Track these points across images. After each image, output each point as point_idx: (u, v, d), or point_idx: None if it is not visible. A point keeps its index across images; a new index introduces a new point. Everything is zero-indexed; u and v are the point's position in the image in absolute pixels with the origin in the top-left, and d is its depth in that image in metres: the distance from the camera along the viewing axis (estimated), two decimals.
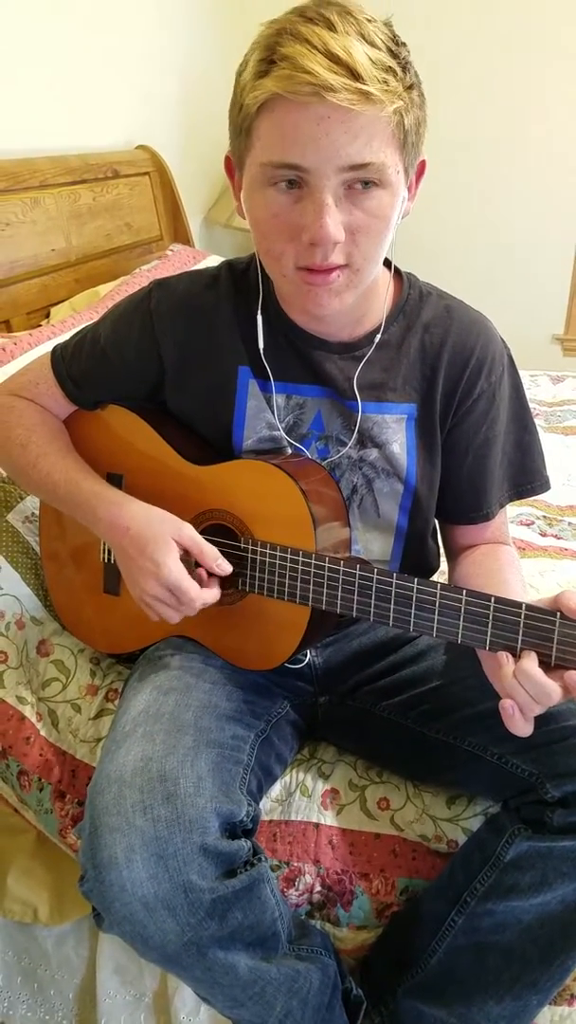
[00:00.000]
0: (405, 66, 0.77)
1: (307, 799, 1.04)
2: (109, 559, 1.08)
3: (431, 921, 0.93)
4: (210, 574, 0.91)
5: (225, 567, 0.90)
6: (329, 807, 1.03)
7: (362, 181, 0.79)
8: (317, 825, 1.03)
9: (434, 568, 1.10)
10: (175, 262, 2.05)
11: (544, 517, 1.48)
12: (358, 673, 1.03)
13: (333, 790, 1.04)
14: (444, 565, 1.12)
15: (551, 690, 0.72)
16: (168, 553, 0.88)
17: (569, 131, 2.57)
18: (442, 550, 1.10)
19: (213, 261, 2.19)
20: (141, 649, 1.06)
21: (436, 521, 1.06)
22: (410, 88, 0.78)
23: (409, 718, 0.97)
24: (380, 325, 0.96)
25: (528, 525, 1.45)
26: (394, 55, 0.76)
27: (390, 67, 0.75)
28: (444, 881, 0.94)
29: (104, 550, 1.08)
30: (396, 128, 0.78)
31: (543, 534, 1.43)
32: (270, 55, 0.75)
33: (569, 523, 1.46)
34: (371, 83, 0.73)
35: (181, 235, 2.32)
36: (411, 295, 0.98)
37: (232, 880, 0.79)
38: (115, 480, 1.04)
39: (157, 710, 0.87)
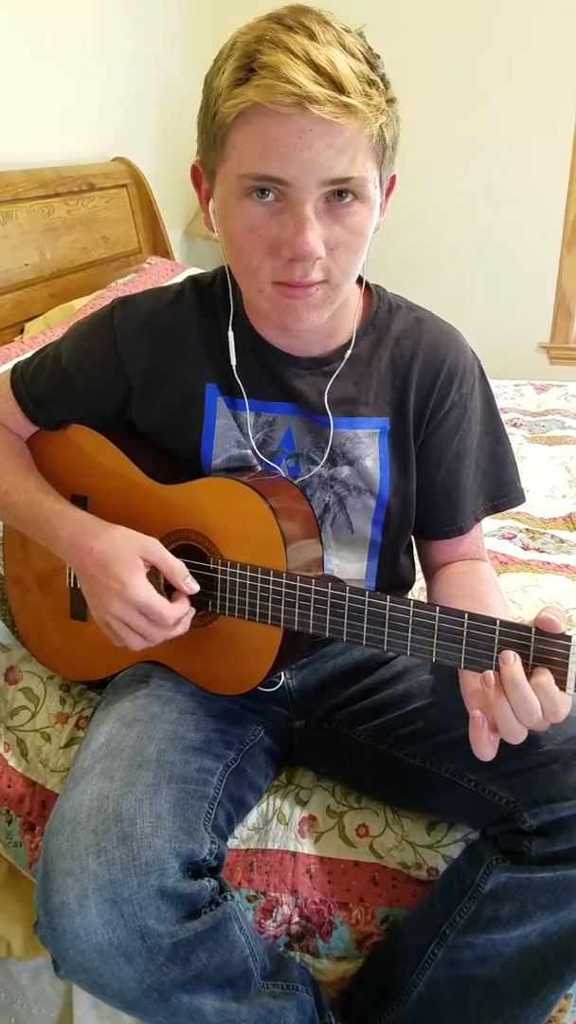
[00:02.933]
0: (384, 79, 0.76)
1: (284, 827, 1.01)
2: (74, 583, 1.04)
3: (412, 953, 0.90)
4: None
5: (193, 586, 0.88)
6: (307, 835, 1.00)
7: (340, 193, 0.77)
8: (294, 854, 0.99)
9: (410, 583, 1.08)
10: (152, 275, 2.03)
11: (527, 530, 1.45)
12: (334, 696, 1.00)
13: (311, 817, 1.01)
14: (422, 581, 1.09)
15: (531, 698, 0.70)
16: (134, 572, 0.85)
17: (553, 137, 2.57)
18: (418, 567, 1.08)
19: (190, 273, 2.16)
20: (111, 676, 1.02)
21: (412, 537, 1.04)
22: (391, 102, 0.76)
23: (386, 743, 0.94)
24: (351, 339, 0.94)
25: (510, 539, 1.43)
26: (372, 67, 0.75)
27: (372, 80, 0.73)
28: (424, 911, 0.91)
29: (69, 574, 1.05)
30: (377, 143, 0.76)
31: (525, 547, 1.40)
32: (249, 63, 0.72)
33: (552, 536, 1.44)
34: (355, 96, 0.71)
35: (160, 248, 2.30)
36: (380, 308, 0.96)
37: (194, 922, 0.76)
38: (80, 502, 1.01)
39: (118, 744, 0.84)
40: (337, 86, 0.71)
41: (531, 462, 1.68)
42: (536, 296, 2.70)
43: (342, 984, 0.99)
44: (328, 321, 0.88)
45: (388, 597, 0.80)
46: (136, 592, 0.84)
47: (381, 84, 0.75)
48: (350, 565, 0.98)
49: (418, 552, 1.07)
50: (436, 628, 0.77)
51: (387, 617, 0.80)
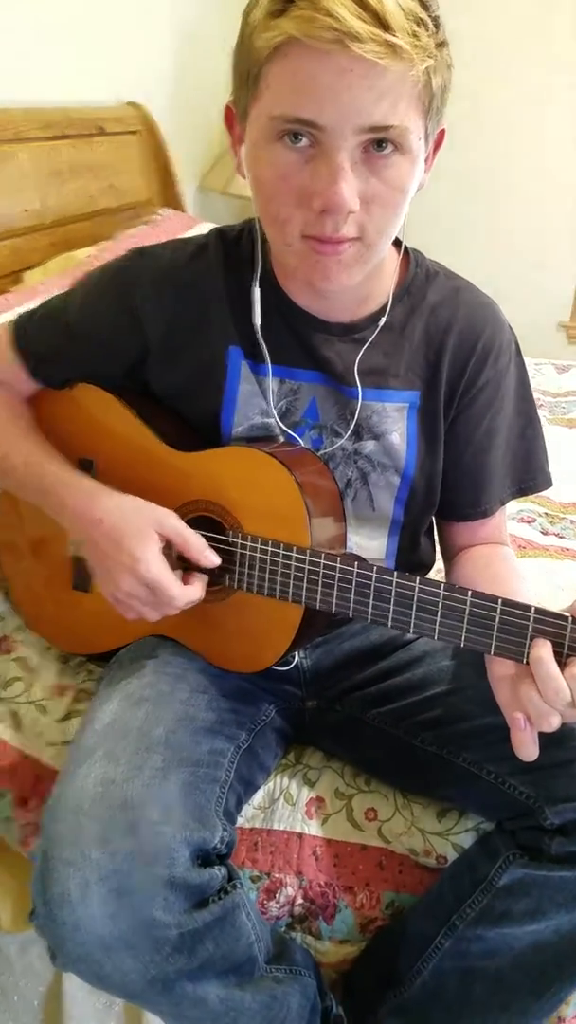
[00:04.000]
0: (436, 21, 0.69)
1: (291, 807, 0.98)
2: (77, 552, 0.99)
3: (418, 941, 0.88)
4: (196, 569, 0.84)
5: (213, 558, 0.83)
6: (314, 816, 0.97)
7: (379, 143, 0.71)
8: (301, 835, 0.97)
9: (430, 564, 1.04)
10: (164, 228, 1.95)
11: (546, 514, 1.42)
12: (349, 677, 0.96)
13: (318, 798, 0.98)
14: (440, 562, 1.06)
15: (557, 676, 0.67)
16: (148, 546, 0.80)
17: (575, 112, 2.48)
18: (438, 549, 1.04)
19: (206, 229, 2.08)
20: (115, 649, 0.98)
21: (433, 518, 1.00)
22: (440, 46, 0.70)
23: (401, 728, 0.91)
24: (384, 306, 0.89)
25: (529, 523, 1.39)
26: (425, 6, 0.68)
27: (421, 19, 0.67)
28: (432, 900, 0.89)
29: (73, 544, 1.00)
30: (423, 89, 0.70)
31: (544, 532, 1.37)
32: None
33: (572, 521, 1.40)
34: (401, 35, 0.65)
35: (172, 200, 2.21)
36: (417, 274, 0.91)
37: (203, 912, 0.73)
38: (85, 466, 0.95)
39: (124, 724, 0.80)
40: (382, 23, 0.65)
41: (552, 444, 1.61)
42: (556, 274, 2.64)
43: (343, 966, 0.98)
44: (361, 285, 0.83)
45: (417, 578, 0.76)
46: (148, 568, 0.79)
47: (432, 25, 0.68)
48: (370, 543, 0.94)
49: (439, 533, 1.03)
50: (467, 612, 0.74)
51: (415, 599, 0.76)
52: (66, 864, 0.69)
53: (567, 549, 1.32)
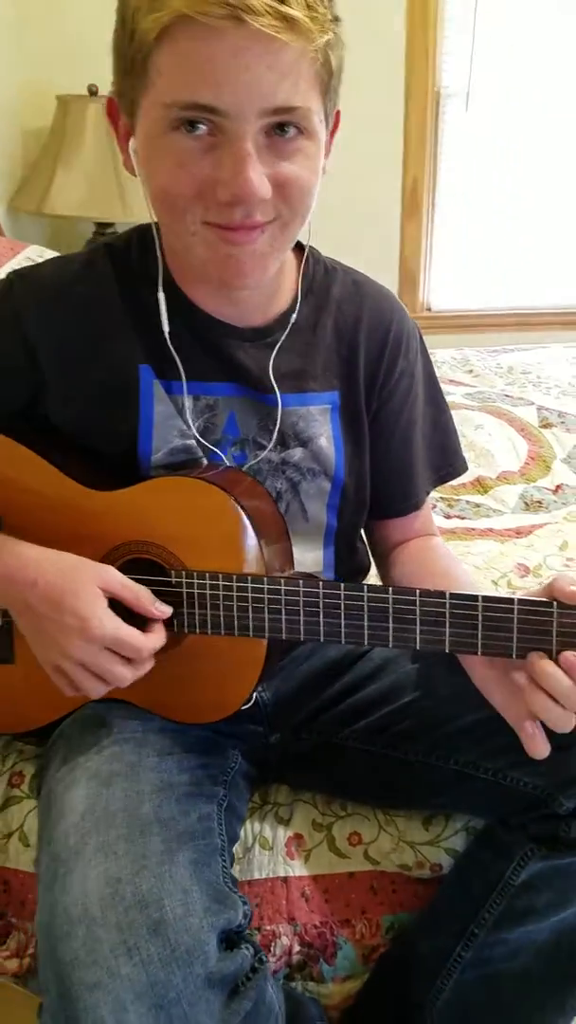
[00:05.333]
0: None
1: (269, 852, 0.92)
2: None
3: (432, 959, 0.84)
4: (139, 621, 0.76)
5: (165, 609, 0.76)
6: (295, 855, 0.92)
7: (282, 126, 0.67)
8: (285, 879, 0.91)
9: (367, 569, 1.01)
10: None
11: (442, 498, 1.44)
12: (312, 701, 0.91)
13: (296, 835, 0.93)
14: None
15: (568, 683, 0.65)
16: (95, 603, 0.72)
17: (385, 104, 2.55)
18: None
19: (35, 252, 1.96)
20: (51, 724, 0.87)
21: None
22: (335, 20, 0.67)
23: (378, 743, 0.87)
24: (291, 306, 0.85)
25: (431, 509, 1.40)
26: None
27: None
28: (440, 914, 0.86)
29: None
30: (322, 68, 0.67)
31: (448, 516, 1.39)
32: None
33: (467, 501, 1.44)
34: (297, 8, 0.62)
35: None
36: (317, 270, 0.88)
37: (241, 1002, 0.66)
38: None
39: (105, 808, 0.70)
40: None
41: None
42: (380, 267, 2.69)
43: (346, 1003, 0.93)
44: (267, 283, 0.79)
45: (390, 588, 0.73)
46: (102, 627, 0.71)
47: None
48: (306, 556, 0.90)
49: (368, 535, 1.00)
50: (448, 616, 0.71)
51: (391, 610, 0.73)
52: (92, 988, 0.59)
53: (472, 528, 1.35)
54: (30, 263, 1.88)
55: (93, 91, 2.22)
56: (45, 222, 2.49)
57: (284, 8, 0.61)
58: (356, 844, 0.92)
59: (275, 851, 0.92)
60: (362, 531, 1.00)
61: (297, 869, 0.91)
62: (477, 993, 0.82)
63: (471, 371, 2.00)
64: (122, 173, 2.29)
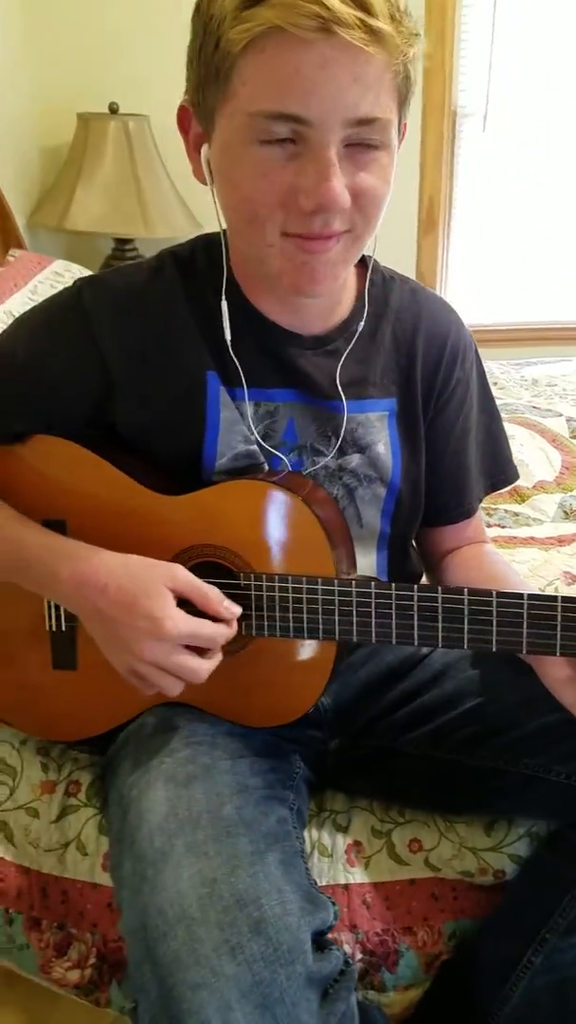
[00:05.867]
0: (407, 9, 0.67)
1: (329, 859, 0.91)
2: (57, 627, 0.88)
3: (500, 966, 0.83)
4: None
5: (234, 608, 0.76)
6: (355, 863, 0.91)
7: (365, 141, 0.68)
8: (347, 886, 0.90)
9: (418, 575, 1.01)
10: (18, 269, 1.82)
11: (481, 507, 1.44)
12: (372, 706, 0.91)
13: (355, 843, 0.92)
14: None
15: None
16: (166, 604, 0.72)
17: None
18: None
19: (61, 267, 1.97)
20: (112, 731, 0.87)
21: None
22: (417, 35, 0.68)
23: (442, 748, 0.86)
24: (352, 314, 0.86)
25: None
26: None
27: (399, 7, 0.65)
28: (508, 919, 0.85)
29: (51, 617, 0.88)
30: (402, 82, 0.69)
31: (487, 525, 1.39)
32: None
33: (506, 510, 1.44)
34: (384, 21, 0.63)
35: (13, 239, 2.08)
36: (375, 279, 0.89)
37: (336, 1004, 0.65)
38: (55, 528, 0.84)
39: (187, 810, 0.70)
40: (366, 8, 0.62)
41: None
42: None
43: (406, 1014, 0.92)
44: (333, 292, 0.81)
45: (465, 590, 0.73)
46: (177, 626, 0.71)
47: (407, 12, 0.67)
48: (359, 561, 0.90)
49: (420, 542, 1.01)
50: (525, 616, 0.72)
51: (466, 611, 0.73)
52: (196, 988, 0.59)
53: (514, 537, 1.35)
54: (57, 276, 1.91)
55: (114, 109, 2.24)
56: (64, 238, 2.51)
57: (372, 21, 0.62)
58: (416, 851, 0.91)
59: (335, 858, 0.91)
60: (414, 540, 1.00)
61: (357, 876, 0.91)
62: (546, 999, 0.81)
63: (496, 383, 2.01)
64: (143, 190, 2.33)
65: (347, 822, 0.94)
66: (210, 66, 0.67)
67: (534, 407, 1.82)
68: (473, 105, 2.55)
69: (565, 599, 0.70)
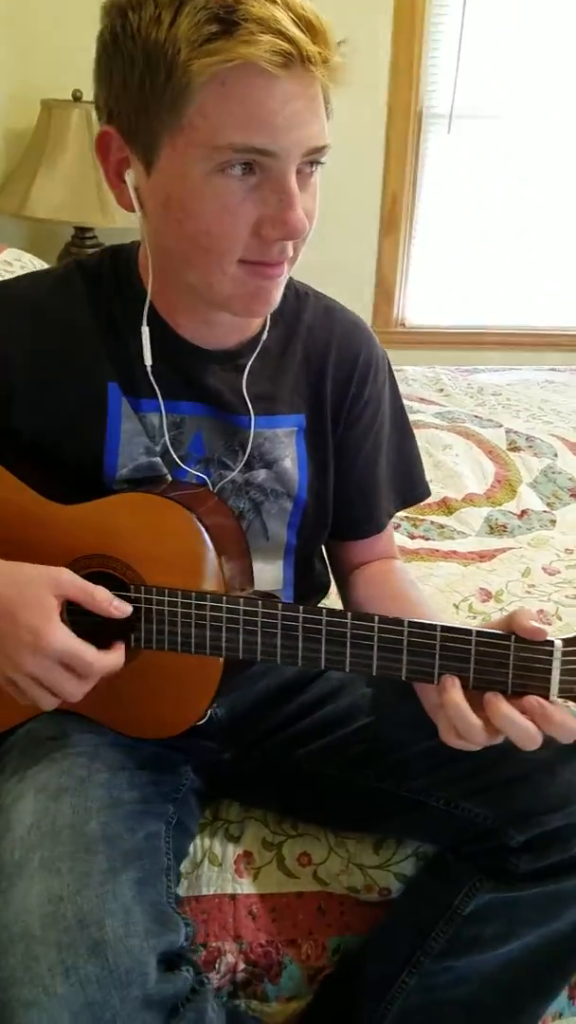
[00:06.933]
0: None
1: (218, 868, 0.91)
2: None
3: (377, 984, 0.84)
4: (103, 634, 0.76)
5: (124, 607, 0.75)
6: (244, 873, 0.92)
7: (310, 162, 0.70)
8: (233, 896, 0.91)
9: (326, 586, 1.02)
10: None
11: (407, 518, 1.45)
12: (267, 719, 0.91)
13: (246, 853, 0.93)
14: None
15: (520, 723, 0.66)
16: (49, 616, 0.71)
17: (367, 120, 2.57)
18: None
19: (12, 256, 1.94)
20: (2, 732, 0.86)
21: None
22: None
23: (332, 765, 0.87)
24: (262, 329, 0.86)
25: (395, 528, 1.41)
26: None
27: (332, 28, 0.66)
28: (387, 939, 0.86)
29: None
30: (327, 103, 0.70)
31: (412, 536, 1.40)
32: (226, 13, 0.61)
33: (432, 522, 1.45)
34: (335, 52, 0.65)
35: None
36: (288, 295, 0.89)
37: (182, 1022, 0.66)
38: None
39: (51, 823, 0.70)
40: (323, 40, 0.64)
41: None
42: (356, 281, 2.72)
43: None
44: None
45: (349, 613, 0.73)
46: (55, 642, 0.70)
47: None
48: (265, 573, 0.91)
49: (330, 555, 1.01)
50: (405, 643, 0.72)
51: (348, 635, 0.73)
52: (27, 1006, 0.59)
53: (436, 550, 1.36)
54: (6, 265, 1.88)
55: (77, 96, 2.21)
56: (24, 224, 2.48)
57: (329, 53, 0.64)
58: (306, 864, 0.92)
59: (224, 868, 0.91)
60: (324, 552, 1.00)
61: (245, 887, 0.91)
62: (421, 1019, 0.82)
63: (442, 390, 2.02)
64: (103, 180, 2.30)
65: (239, 832, 0.94)
66: (157, 95, 0.66)
67: (476, 416, 1.83)
68: (440, 106, 2.55)
69: (445, 628, 0.71)
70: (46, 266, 2.07)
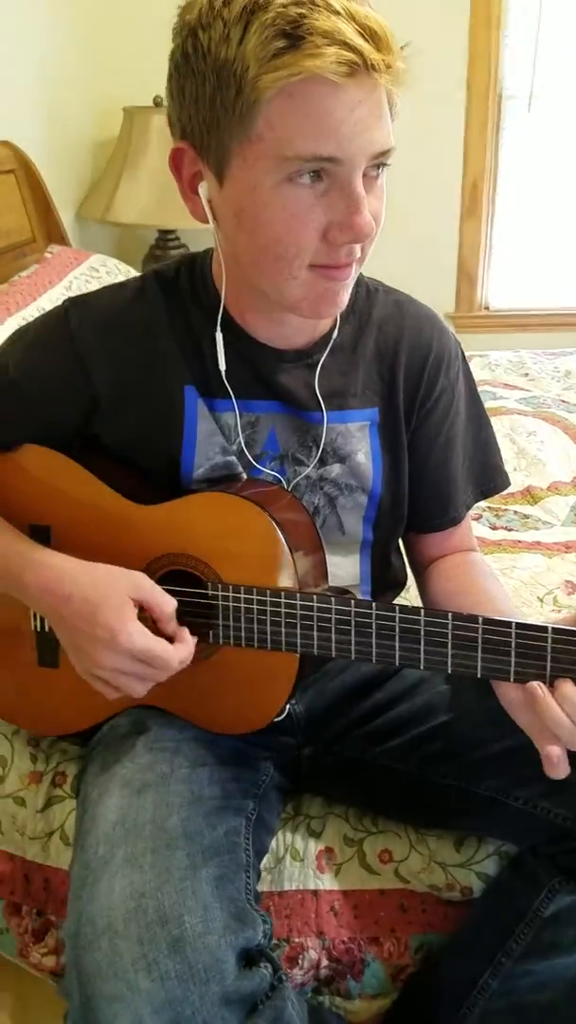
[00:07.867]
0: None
1: (300, 864, 0.92)
2: (41, 627, 0.91)
3: (460, 985, 0.83)
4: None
5: (183, 634, 0.78)
6: (326, 869, 0.92)
7: (377, 165, 0.70)
8: (315, 892, 0.91)
9: (403, 583, 1.01)
10: (55, 265, 1.86)
11: (489, 508, 1.42)
12: (345, 716, 0.91)
13: (327, 849, 0.93)
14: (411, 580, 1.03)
15: None
16: (124, 617, 0.74)
17: (447, 105, 2.51)
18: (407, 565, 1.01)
19: (98, 261, 2.00)
20: (93, 726, 0.90)
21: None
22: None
23: (410, 763, 0.86)
24: (333, 327, 0.86)
25: (476, 519, 1.38)
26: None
27: (394, 33, 0.66)
28: (469, 939, 0.85)
29: (35, 617, 0.91)
30: (392, 108, 0.70)
31: (494, 527, 1.37)
32: (291, 27, 0.62)
33: (515, 512, 1.41)
34: (399, 59, 0.65)
35: (55, 235, 2.12)
36: (359, 291, 0.89)
37: (258, 1021, 0.66)
38: (41, 533, 0.87)
39: (135, 820, 0.72)
40: (386, 47, 0.64)
41: None
42: (438, 266, 2.68)
43: (374, 1021, 0.92)
44: None
45: (423, 610, 0.72)
46: (130, 640, 0.72)
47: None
48: (341, 568, 0.91)
49: (407, 548, 1.00)
50: (480, 641, 0.70)
51: (422, 632, 0.72)
52: (112, 1000, 0.61)
53: (519, 541, 1.32)
54: (93, 271, 1.94)
55: (158, 102, 2.25)
56: (110, 230, 2.54)
57: (392, 59, 0.64)
58: (387, 861, 0.92)
59: (306, 863, 0.92)
60: (401, 547, 0.99)
61: (327, 883, 0.92)
62: (501, 1021, 0.81)
63: (527, 375, 1.96)
64: None
65: (321, 828, 0.95)
66: (227, 110, 0.67)
67: (563, 400, 1.76)
68: (519, 87, 2.47)
69: (520, 625, 0.69)
70: (131, 270, 2.12)
